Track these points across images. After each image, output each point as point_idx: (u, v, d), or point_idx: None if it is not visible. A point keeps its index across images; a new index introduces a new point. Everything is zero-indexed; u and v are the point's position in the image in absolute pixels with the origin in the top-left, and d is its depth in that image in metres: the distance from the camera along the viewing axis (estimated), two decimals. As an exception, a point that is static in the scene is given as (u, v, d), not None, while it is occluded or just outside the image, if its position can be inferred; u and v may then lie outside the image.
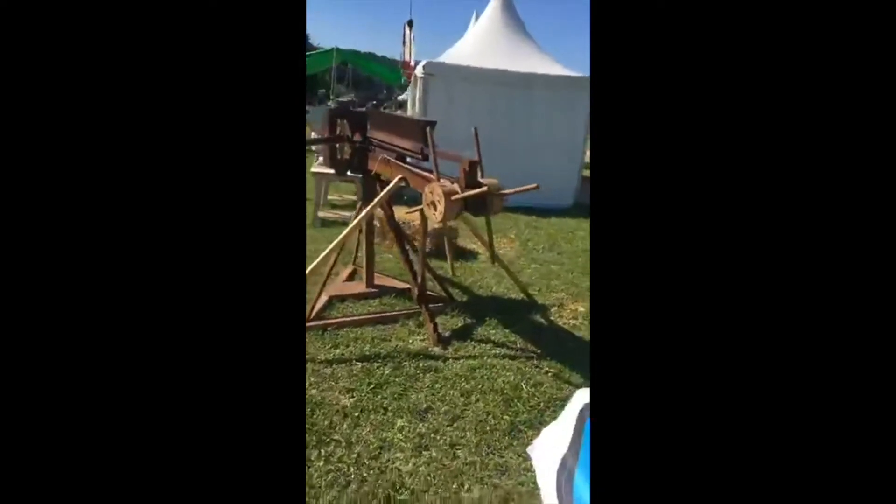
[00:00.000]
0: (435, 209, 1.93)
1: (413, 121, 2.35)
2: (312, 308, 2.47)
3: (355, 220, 2.33)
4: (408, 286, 2.95)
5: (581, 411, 1.50)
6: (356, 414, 1.79)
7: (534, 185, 1.91)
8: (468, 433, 1.74)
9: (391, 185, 2.26)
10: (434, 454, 1.62)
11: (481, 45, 5.98)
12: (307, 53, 9.35)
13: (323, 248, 2.33)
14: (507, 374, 2.15)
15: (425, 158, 2.19)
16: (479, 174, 2.00)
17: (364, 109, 2.61)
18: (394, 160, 2.35)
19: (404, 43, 7.51)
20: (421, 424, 1.76)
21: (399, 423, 1.76)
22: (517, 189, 1.98)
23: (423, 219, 2.45)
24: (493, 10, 6.27)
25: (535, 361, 2.28)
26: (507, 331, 2.57)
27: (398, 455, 1.60)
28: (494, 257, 2.42)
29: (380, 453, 1.60)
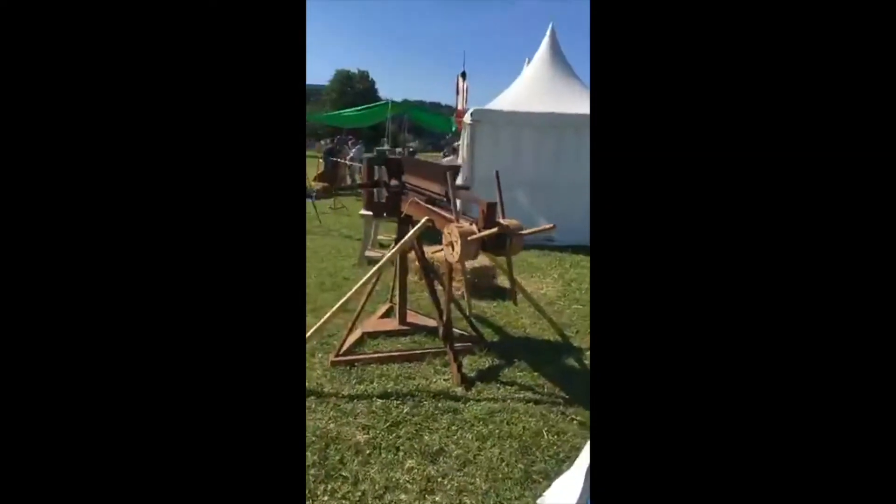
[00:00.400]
0: (453, 249, 1.98)
1: (438, 166, 2.45)
2: (342, 344, 2.56)
3: (383, 259, 2.42)
4: (436, 325, 2.97)
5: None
6: (368, 451, 1.80)
7: (550, 226, 1.90)
8: (478, 479, 1.68)
9: (418, 225, 2.35)
10: (439, 499, 1.58)
11: (529, 89, 6.14)
12: (367, 106, 10.11)
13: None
14: (529, 419, 2.07)
15: (450, 200, 2.27)
16: (498, 215, 2.04)
17: (399, 157, 2.77)
18: (422, 203, 2.45)
19: (458, 93, 7.88)
20: (431, 467, 1.73)
21: (409, 463, 1.74)
22: (535, 229, 1.99)
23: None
24: (541, 56, 6.46)
25: (562, 408, 2.18)
26: (535, 374, 2.49)
27: (402, 497, 1.58)
28: (515, 298, 2.39)
29: (384, 493, 1.59)
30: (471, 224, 2.00)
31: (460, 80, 7.86)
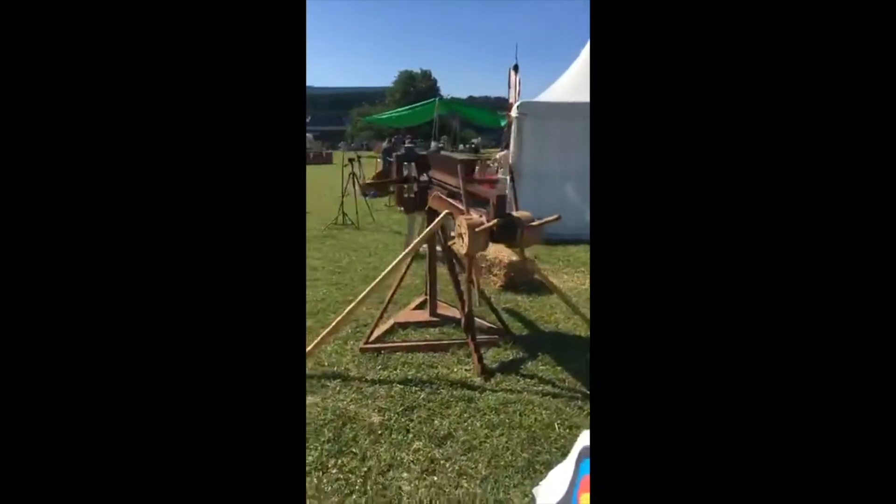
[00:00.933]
0: (462, 241, 2.03)
1: (454, 159, 2.50)
2: (372, 331, 2.70)
3: (403, 253, 2.52)
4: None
5: (579, 453, 1.40)
6: (380, 432, 1.91)
7: (555, 217, 1.89)
8: (480, 465, 1.73)
9: (438, 218, 2.42)
10: (438, 479, 1.65)
11: (578, 81, 5.96)
12: (415, 105, 10.30)
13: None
14: (543, 411, 2.07)
15: (466, 192, 2.31)
16: (511, 208, 2.05)
17: (426, 153, 2.85)
18: (444, 196, 2.52)
19: (510, 86, 7.81)
20: (436, 450, 1.80)
21: (416, 445, 1.83)
22: (543, 220, 1.98)
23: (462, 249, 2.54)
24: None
25: (580, 402, 2.15)
26: (558, 368, 2.46)
27: (404, 475, 1.67)
28: (532, 272, 2.37)
29: (388, 470, 1.69)
30: (481, 216, 2.04)
31: (512, 73, 7.78)
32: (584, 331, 2.95)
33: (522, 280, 3.72)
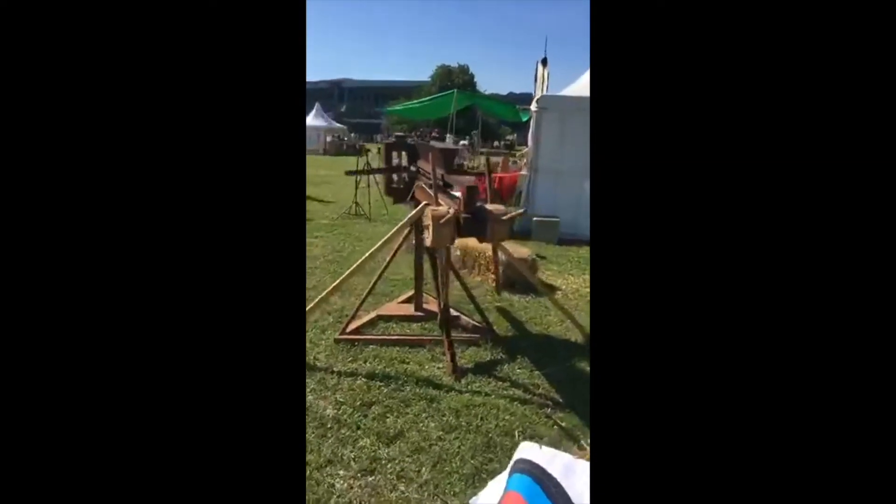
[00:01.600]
0: (428, 233, 1.93)
1: (436, 149, 2.39)
2: (348, 322, 2.64)
3: (379, 243, 2.44)
4: (456, 314, 2.92)
5: (511, 467, 1.29)
6: (329, 426, 1.85)
7: (522, 210, 1.75)
8: (423, 468, 1.63)
9: (416, 209, 2.33)
10: (375, 480, 1.57)
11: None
12: (433, 97, 10.16)
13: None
14: (507, 417, 1.94)
15: (445, 184, 2.21)
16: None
17: (415, 142, 2.77)
18: (425, 187, 2.42)
19: (536, 80, 7.59)
20: (382, 449, 1.72)
21: (362, 442, 1.75)
22: (511, 214, 1.85)
23: (451, 240, 2.43)
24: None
25: (549, 410, 2.01)
26: (535, 372, 2.33)
27: (341, 472, 1.60)
28: (498, 290, 2.25)
29: (325, 466, 1.62)
30: (449, 208, 1.93)
31: (540, 66, 7.54)
32: (575, 335, 2.78)
33: (522, 279, 3.57)
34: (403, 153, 2.79)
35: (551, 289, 3.63)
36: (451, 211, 1.89)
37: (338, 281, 2.39)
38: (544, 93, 7.15)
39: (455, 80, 27.32)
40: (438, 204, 2.23)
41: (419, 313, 2.91)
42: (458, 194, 2.09)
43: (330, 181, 9.62)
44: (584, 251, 4.84)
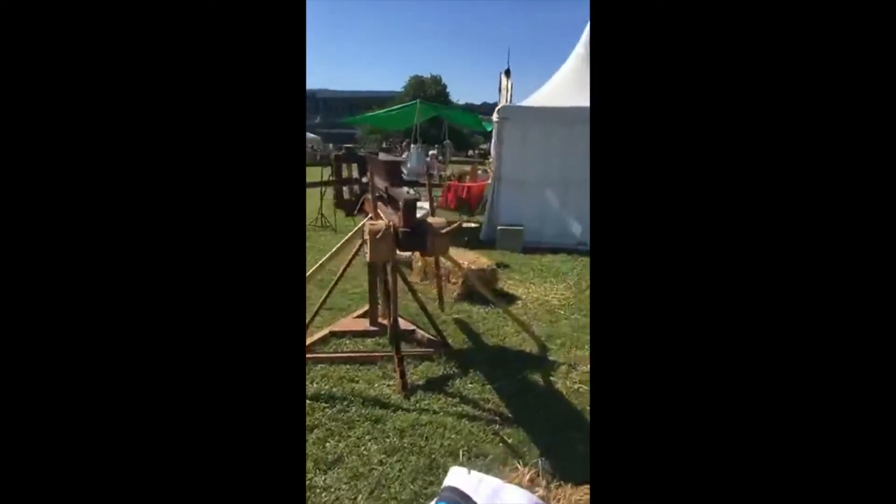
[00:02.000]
0: (366, 248, 1.88)
1: (381, 162, 2.35)
2: (297, 341, 2.56)
3: (328, 255, 2.37)
4: (412, 328, 2.87)
5: (441, 491, 1.24)
6: (265, 452, 1.76)
7: (456, 224, 1.73)
8: (360, 496, 1.56)
9: (359, 225, 2.27)
10: (306, 511, 1.49)
11: (564, 86, 5.78)
12: (398, 107, 10.18)
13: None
14: (453, 436, 1.89)
15: (390, 197, 2.17)
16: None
17: (364, 154, 2.72)
18: (371, 199, 2.37)
19: (500, 91, 7.66)
20: (319, 476, 1.64)
21: (298, 470, 1.67)
22: (450, 227, 1.82)
23: (415, 253, 2.38)
24: (579, 52, 6.06)
25: (497, 426, 1.97)
26: (487, 387, 2.29)
27: None
28: (442, 305, 2.22)
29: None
30: (388, 223, 1.88)
31: (503, 77, 7.63)
32: (530, 346, 2.76)
33: (477, 290, 3.54)
34: (354, 165, 2.74)
35: (510, 299, 3.61)
36: (391, 225, 1.85)
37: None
38: (508, 103, 7.22)
39: (428, 90, 27.47)
40: (378, 218, 2.18)
41: (374, 328, 2.84)
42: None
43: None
44: (547, 259, 4.86)
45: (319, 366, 2.42)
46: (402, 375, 2.24)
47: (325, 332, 2.77)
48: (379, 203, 2.29)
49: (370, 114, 11.10)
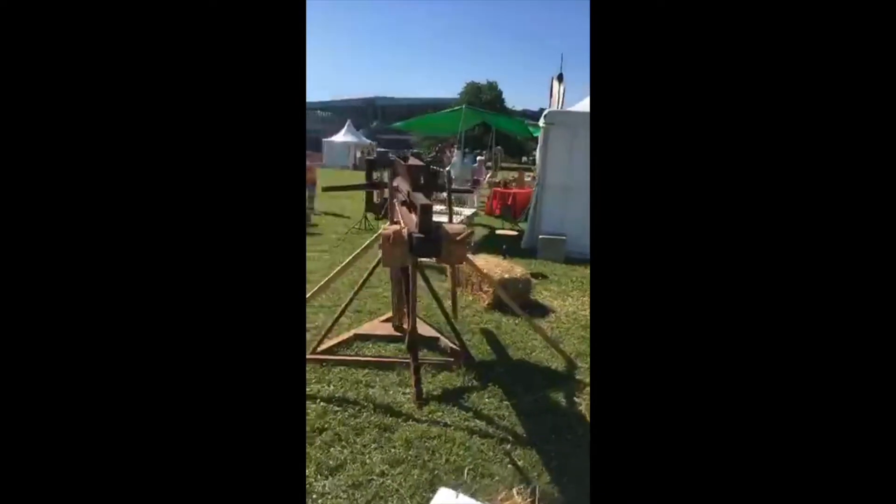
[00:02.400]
0: (381, 252, 1.85)
1: (407, 166, 2.32)
2: (320, 342, 2.58)
3: (343, 264, 2.38)
4: (436, 335, 2.82)
5: None
6: (272, 451, 1.77)
7: (470, 231, 1.65)
8: (356, 506, 1.53)
9: (380, 230, 2.26)
10: (300, 517, 1.47)
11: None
12: (444, 112, 10.16)
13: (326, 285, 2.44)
14: (461, 452, 1.82)
15: (410, 200, 2.13)
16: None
17: (395, 159, 2.72)
18: (398, 205, 2.35)
19: (551, 95, 7.48)
20: (318, 482, 1.63)
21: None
22: (464, 234, 1.75)
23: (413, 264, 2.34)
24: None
25: (509, 447, 1.87)
26: (505, 402, 2.19)
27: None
28: (455, 313, 2.14)
29: (253, 497, 1.54)
30: (402, 228, 1.85)
31: (555, 82, 7.45)
32: (557, 363, 2.62)
33: (516, 300, 3.43)
34: (384, 170, 2.75)
35: (544, 311, 3.47)
36: (404, 229, 1.81)
37: (313, 291, 2.33)
38: (558, 108, 7.01)
39: (483, 96, 27.47)
40: (398, 222, 2.15)
41: (398, 333, 2.82)
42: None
43: (351, 195, 9.73)
44: (589, 271, 4.64)
45: (339, 367, 2.43)
46: (417, 384, 2.19)
47: (350, 334, 2.79)
48: (403, 208, 2.27)
49: (415, 119, 11.22)
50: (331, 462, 1.72)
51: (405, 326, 2.86)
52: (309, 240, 5.20)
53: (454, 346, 2.68)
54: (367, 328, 2.91)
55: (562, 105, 7.54)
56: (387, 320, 3.07)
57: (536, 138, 6.64)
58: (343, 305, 2.70)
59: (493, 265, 3.63)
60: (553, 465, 1.75)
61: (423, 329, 2.90)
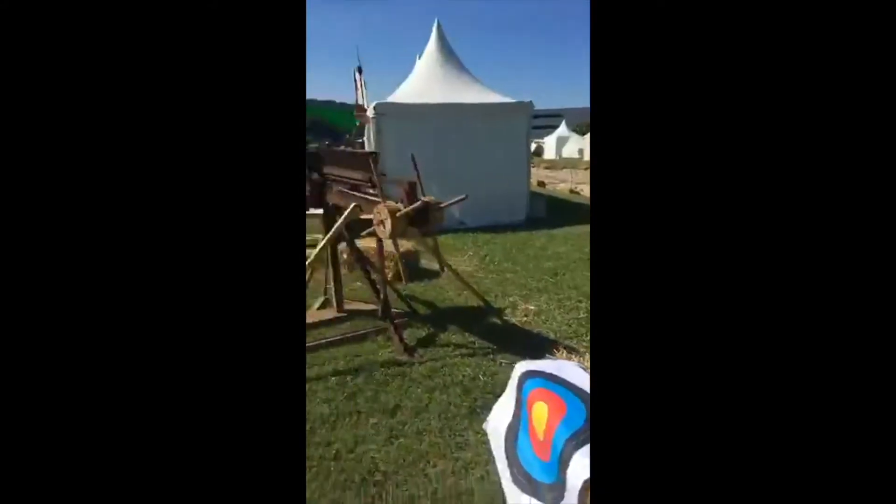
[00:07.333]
0: (384, 227, 2.21)
1: (359, 153, 2.65)
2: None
3: (318, 247, 2.57)
4: (374, 307, 3.18)
5: (518, 379, 1.74)
6: (333, 419, 1.99)
7: (463, 196, 2.22)
8: (433, 421, 1.97)
9: (346, 211, 2.53)
10: (403, 441, 1.84)
11: (424, 83, 6.46)
12: None
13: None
14: (467, 369, 2.40)
15: (374, 186, 2.49)
16: (419, 193, 2.30)
17: (316, 149, 2.90)
18: (347, 191, 2.63)
19: (356, 88, 7.93)
20: (391, 419, 1.98)
21: (371, 420, 1.97)
22: (452, 201, 2.29)
23: (379, 240, 2.71)
24: (431, 50, 6.81)
25: (492, 356, 2.54)
26: (466, 334, 2.83)
27: (371, 446, 1.81)
28: (444, 266, 2.70)
29: (355, 446, 1.81)
30: (396, 203, 2.24)
31: (357, 74, 7.92)
32: (475, 302, 3.38)
33: (413, 269, 3.99)
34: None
35: (433, 274, 4.17)
36: (401, 206, 2.21)
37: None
38: (366, 100, 7.56)
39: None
40: (384, 201, 2.48)
41: (342, 314, 3.07)
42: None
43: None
44: (445, 239, 5.51)
45: (319, 350, 2.60)
46: (402, 339, 2.62)
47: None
48: (357, 192, 2.56)
49: None
50: (388, 405, 2.07)
51: (347, 307, 3.13)
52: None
53: (398, 311, 3.12)
54: (311, 317, 3.04)
55: (365, 96, 8.09)
56: (320, 308, 3.23)
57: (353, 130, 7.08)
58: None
59: (387, 242, 4.08)
60: (528, 357, 2.53)
61: (358, 305, 3.21)
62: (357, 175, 2.58)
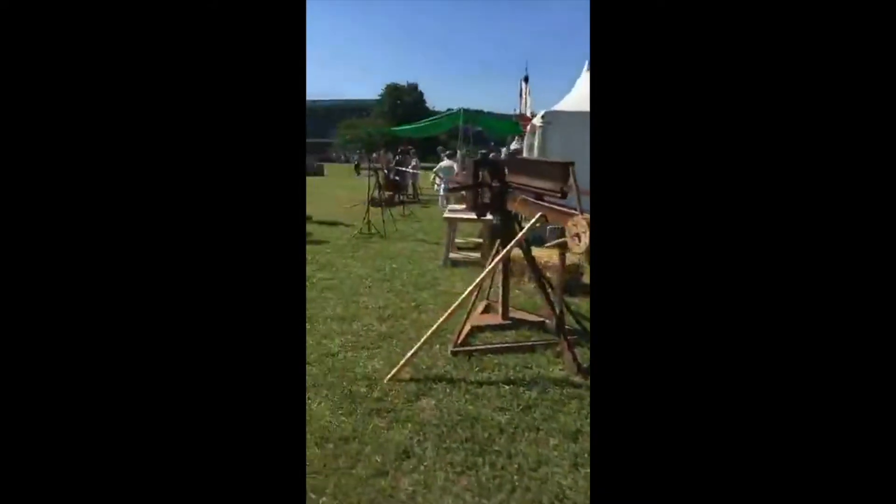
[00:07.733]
0: (579, 240, 2.08)
1: (551, 163, 2.57)
2: (458, 335, 2.72)
3: (499, 256, 2.56)
4: (541, 319, 3.08)
5: None
6: (511, 430, 1.93)
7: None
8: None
9: (532, 221, 2.48)
10: (589, 472, 1.68)
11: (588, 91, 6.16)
12: (437, 117, 10.50)
13: (457, 284, 2.60)
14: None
15: (564, 196, 2.38)
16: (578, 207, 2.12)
17: (502, 158, 2.92)
18: (532, 200, 2.58)
19: (521, 97, 8.00)
20: (573, 444, 1.84)
21: (552, 441, 1.86)
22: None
23: (562, 254, 2.60)
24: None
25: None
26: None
27: (556, 469, 1.70)
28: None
29: (538, 467, 1.71)
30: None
31: (523, 84, 7.98)
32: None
33: (575, 284, 3.80)
34: (487, 170, 2.94)
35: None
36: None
37: (463, 295, 2.46)
38: (531, 108, 7.51)
39: (404, 97, 27.66)
40: (581, 212, 2.38)
41: (508, 321, 3.04)
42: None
43: (334, 198, 9.42)
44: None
45: (488, 355, 2.60)
46: (575, 359, 2.45)
47: (468, 327, 2.94)
48: (541, 202, 2.50)
49: (407, 126, 11.51)
50: (569, 428, 1.94)
51: (512, 315, 3.09)
52: (313, 248, 5.14)
53: (568, 327, 2.97)
54: (477, 320, 3.07)
55: (530, 105, 8.11)
56: (483, 312, 3.26)
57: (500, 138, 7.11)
58: (470, 304, 2.85)
59: (549, 253, 3.96)
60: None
61: (523, 315, 3.15)
62: (545, 184, 2.51)
